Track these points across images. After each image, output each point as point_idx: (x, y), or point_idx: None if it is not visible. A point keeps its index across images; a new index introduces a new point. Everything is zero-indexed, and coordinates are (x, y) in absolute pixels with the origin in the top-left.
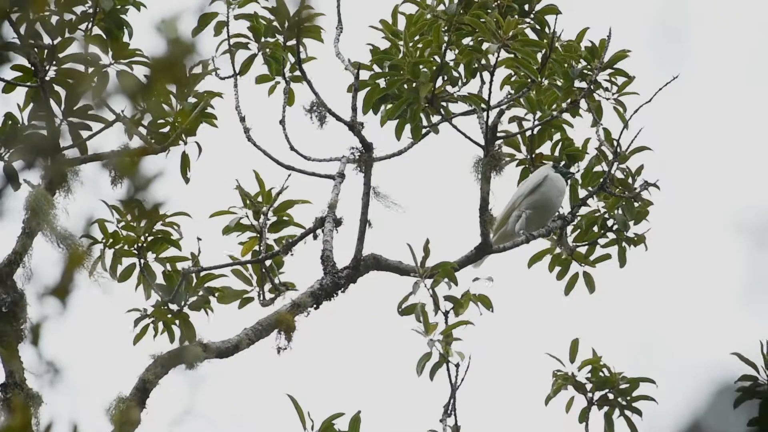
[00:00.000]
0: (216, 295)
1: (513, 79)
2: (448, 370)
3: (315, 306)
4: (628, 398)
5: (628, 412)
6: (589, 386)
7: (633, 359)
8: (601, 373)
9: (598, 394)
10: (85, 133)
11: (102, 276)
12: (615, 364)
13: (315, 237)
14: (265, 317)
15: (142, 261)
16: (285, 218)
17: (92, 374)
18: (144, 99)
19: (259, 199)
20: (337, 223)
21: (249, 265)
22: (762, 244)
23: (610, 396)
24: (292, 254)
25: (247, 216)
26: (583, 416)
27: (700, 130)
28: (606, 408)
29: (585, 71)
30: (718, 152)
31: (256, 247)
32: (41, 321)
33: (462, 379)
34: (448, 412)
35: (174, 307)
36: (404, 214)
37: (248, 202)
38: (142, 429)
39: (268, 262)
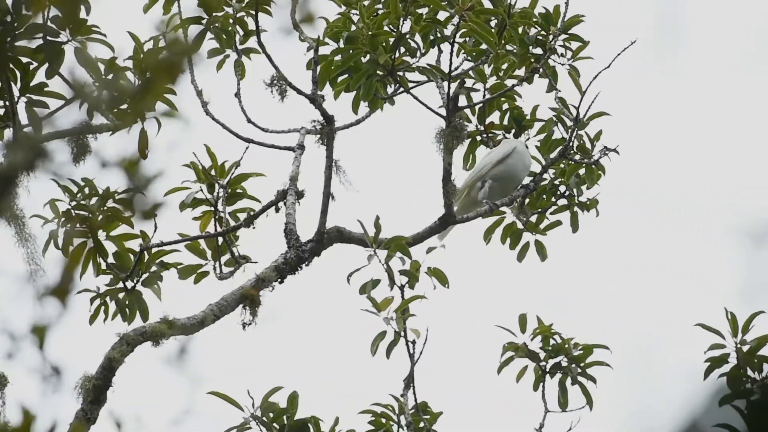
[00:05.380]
0: (176, 269)
1: (470, 48)
2: (406, 344)
3: (279, 280)
4: (582, 365)
5: (582, 379)
6: (542, 354)
7: (587, 326)
8: (552, 341)
9: (551, 362)
10: (42, 111)
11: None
12: (571, 332)
13: (277, 210)
14: (229, 293)
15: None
16: (239, 191)
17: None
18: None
19: (212, 172)
20: (299, 195)
21: (202, 239)
22: (760, 245)
23: (564, 363)
24: (253, 227)
25: (202, 190)
26: (537, 384)
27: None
28: (559, 375)
29: (539, 37)
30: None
31: (212, 222)
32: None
33: (420, 353)
34: (408, 385)
35: (128, 284)
36: (358, 194)
37: (202, 176)
38: (109, 406)
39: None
